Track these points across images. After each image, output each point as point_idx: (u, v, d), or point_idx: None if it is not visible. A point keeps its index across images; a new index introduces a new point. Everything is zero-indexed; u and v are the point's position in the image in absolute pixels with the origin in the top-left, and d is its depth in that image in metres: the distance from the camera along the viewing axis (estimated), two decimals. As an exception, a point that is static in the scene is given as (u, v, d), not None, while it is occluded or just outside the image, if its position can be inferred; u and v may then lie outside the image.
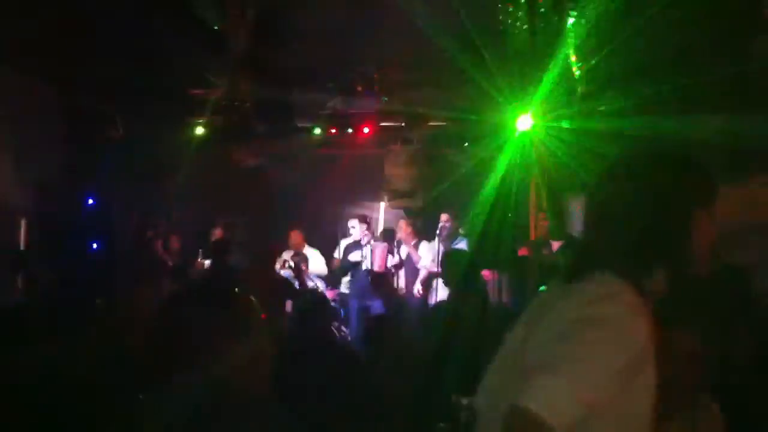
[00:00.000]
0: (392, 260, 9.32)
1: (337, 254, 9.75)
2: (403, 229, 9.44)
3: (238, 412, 2.03)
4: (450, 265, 6.45)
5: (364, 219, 9.69)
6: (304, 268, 9.26)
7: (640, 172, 1.92)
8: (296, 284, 8.69)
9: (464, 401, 3.74)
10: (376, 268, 9.21)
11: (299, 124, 10.26)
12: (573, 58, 6.64)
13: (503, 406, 1.67)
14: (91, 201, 8.92)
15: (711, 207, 1.91)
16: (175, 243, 9.77)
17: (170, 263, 9.14)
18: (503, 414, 1.63)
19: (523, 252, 8.49)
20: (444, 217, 9.32)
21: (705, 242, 1.89)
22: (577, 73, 6.98)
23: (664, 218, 1.86)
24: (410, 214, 9.96)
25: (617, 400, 1.67)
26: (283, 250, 9.57)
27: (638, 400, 1.74)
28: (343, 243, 9.71)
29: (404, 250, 9.36)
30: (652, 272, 1.85)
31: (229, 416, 2.00)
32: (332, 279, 9.88)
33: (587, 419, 1.62)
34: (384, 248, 9.28)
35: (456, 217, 9.30)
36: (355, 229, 9.50)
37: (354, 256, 9.38)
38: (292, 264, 8.84)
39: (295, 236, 9.95)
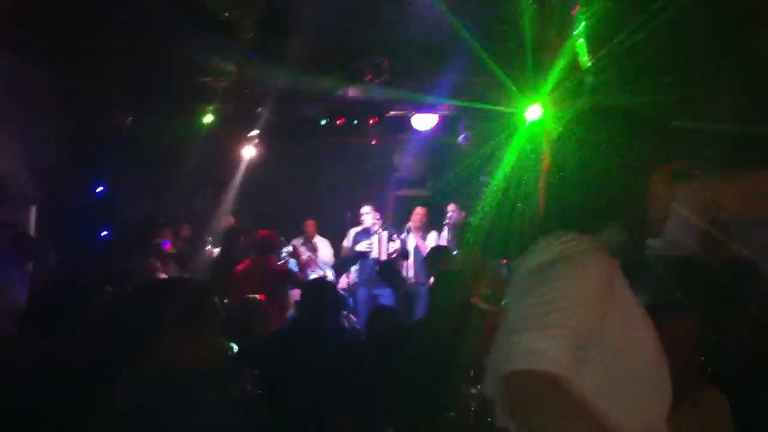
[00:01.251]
0: (393, 246, 9.30)
1: (347, 243, 9.74)
2: (419, 217, 9.43)
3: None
4: (434, 260, 6.82)
5: (376, 207, 9.67)
6: (313, 257, 9.27)
7: (595, 129, 1.85)
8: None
9: (473, 390, 3.75)
10: (383, 257, 9.21)
11: (307, 113, 10.25)
12: (582, 49, 6.60)
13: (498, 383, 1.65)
14: (100, 188, 8.93)
15: (670, 166, 1.85)
16: (185, 231, 9.78)
17: (176, 251, 9.12)
18: (500, 389, 1.59)
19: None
20: (451, 207, 9.33)
21: (663, 204, 1.84)
22: (586, 63, 6.95)
23: (618, 178, 1.79)
24: (418, 203, 9.94)
25: (603, 336, 1.66)
26: (290, 239, 9.57)
27: (621, 337, 1.71)
28: (353, 231, 9.70)
29: (412, 239, 9.35)
30: (605, 229, 1.80)
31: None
32: (341, 268, 9.89)
33: (582, 356, 1.60)
34: (385, 235, 9.28)
35: (463, 207, 9.30)
36: (368, 216, 9.46)
37: (362, 245, 9.37)
38: (291, 250, 8.82)
39: (310, 225, 9.99)
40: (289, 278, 7.92)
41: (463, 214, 9.24)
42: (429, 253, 7.71)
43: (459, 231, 9.09)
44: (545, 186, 1.92)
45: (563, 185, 1.86)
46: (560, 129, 1.93)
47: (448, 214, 9.30)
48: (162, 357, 2.14)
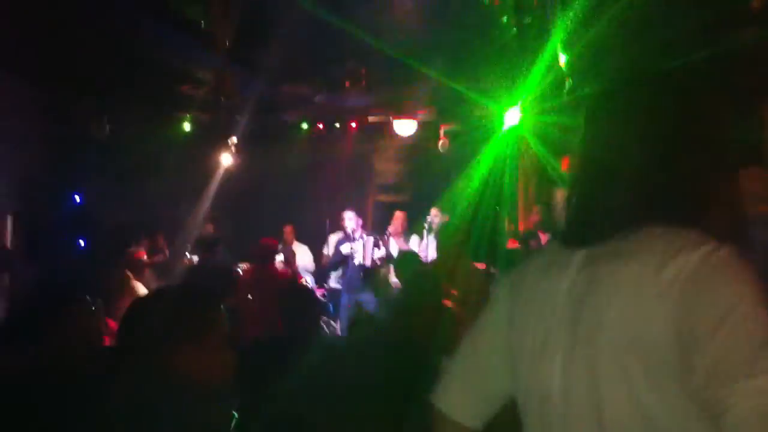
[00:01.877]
0: (378, 253, 9.29)
1: (326, 249, 9.72)
2: (399, 222, 9.42)
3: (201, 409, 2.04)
4: (401, 265, 6.86)
5: (357, 212, 9.65)
6: (292, 262, 9.26)
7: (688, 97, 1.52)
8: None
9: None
10: (367, 263, 9.20)
11: (286, 120, 10.25)
12: (560, 51, 6.64)
13: None
14: (77, 199, 8.86)
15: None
16: (160, 240, 9.67)
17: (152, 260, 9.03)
18: None
19: (511, 244, 8.51)
20: (433, 211, 9.33)
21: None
22: (564, 65, 6.98)
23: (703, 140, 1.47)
24: (398, 209, 9.93)
25: None
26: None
27: None
28: (333, 237, 9.68)
29: (394, 244, 9.34)
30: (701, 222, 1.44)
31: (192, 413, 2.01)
32: (321, 274, 9.86)
33: None
34: (370, 242, 9.27)
35: (444, 211, 9.32)
36: (351, 221, 9.43)
37: (344, 250, 9.35)
38: (283, 258, 8.82)
39: (288, 231, 9.98)
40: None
41: (446, 217, 9.26)
42: (397, 258, 7.71)
43: (439, 235, 9.11)
44: (617, 169, 1.52)
45: (646, 167, 1.50)
46: (593, 107, 1.61)
47: (429, 218, 9.31)
48: (168, 368, 2.07)
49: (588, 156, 1.59)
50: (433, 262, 8.94)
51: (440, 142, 9.73)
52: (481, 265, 7.93)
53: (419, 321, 4.27)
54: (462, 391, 1.76)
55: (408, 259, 7.29)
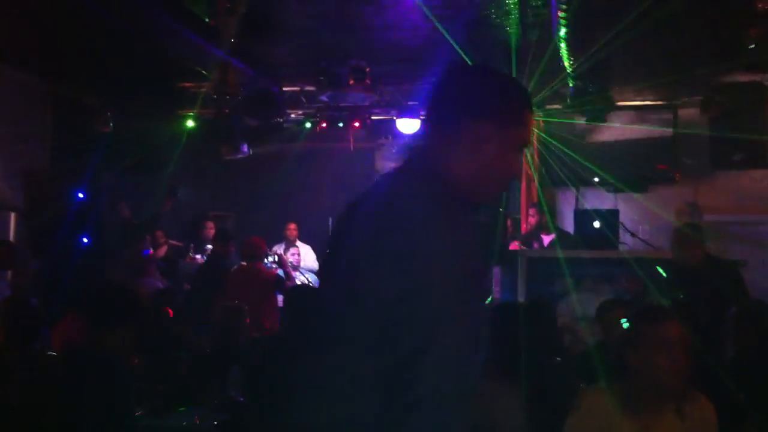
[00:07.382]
0: None
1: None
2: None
3: None
4: None
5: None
6: (295, 262, 9.20)
7: None
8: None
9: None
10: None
11: (289, 118, 10.22)
12: (564, 52, 6.62)
13: None
14: (81, 195, 8.84)
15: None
16: (160, 237, 9.59)
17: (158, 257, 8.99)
18: None
19: (514, 246, 8.49)
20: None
21: None
22: (568, 67, 6.97)
23: None
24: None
25: None
26: (272, 244, 9.48)
27: None
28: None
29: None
30: None
31: None
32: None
33: None
34: None
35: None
36: None
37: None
38: (276, 258, 8.71)
39: (291, 229, 9.94)
40: (278, 285, 7.86)
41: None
42: None
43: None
44: None
45: None
46: None
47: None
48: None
49: None
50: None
51: None
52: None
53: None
54: None
55: None
